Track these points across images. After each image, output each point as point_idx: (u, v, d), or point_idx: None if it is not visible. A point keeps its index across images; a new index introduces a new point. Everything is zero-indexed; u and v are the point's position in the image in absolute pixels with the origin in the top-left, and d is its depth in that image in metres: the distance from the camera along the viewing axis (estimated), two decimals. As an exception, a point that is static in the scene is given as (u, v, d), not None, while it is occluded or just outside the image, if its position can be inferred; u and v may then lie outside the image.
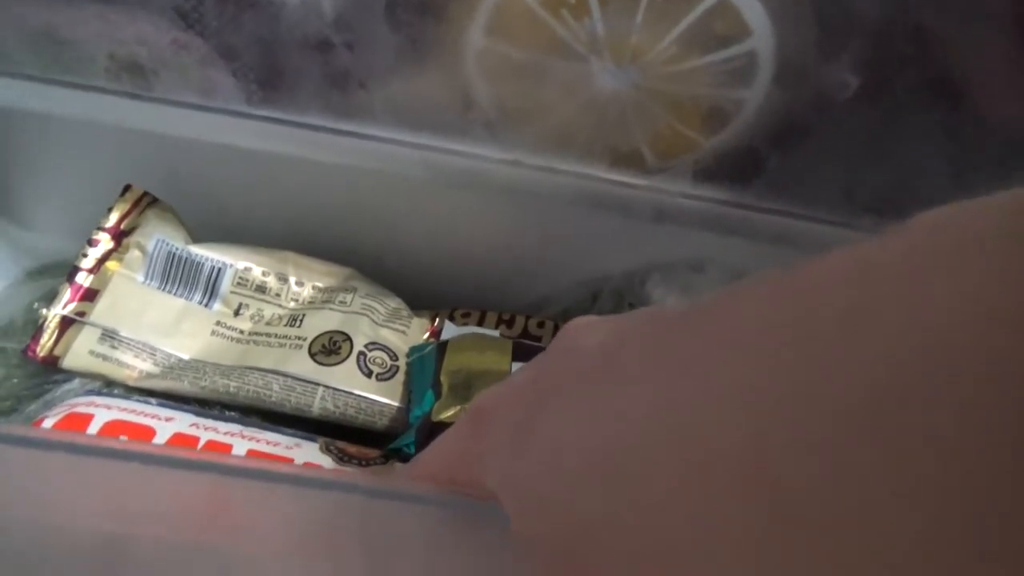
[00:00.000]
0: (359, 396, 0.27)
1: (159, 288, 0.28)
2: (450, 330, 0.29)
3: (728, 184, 0.24)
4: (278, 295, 0.29)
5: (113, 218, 0.29)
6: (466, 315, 0.31)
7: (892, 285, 0.09)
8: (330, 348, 0.28)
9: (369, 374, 0.27)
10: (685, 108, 0.23)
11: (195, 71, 0.23)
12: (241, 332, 0.29)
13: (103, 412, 0.21)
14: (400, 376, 0.28)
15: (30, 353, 0.27)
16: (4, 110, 0.27)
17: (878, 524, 0.08)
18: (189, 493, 0.15)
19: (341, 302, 0.29)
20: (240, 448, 0.21)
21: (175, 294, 0.29)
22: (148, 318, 0.28)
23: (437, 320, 0.30)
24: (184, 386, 0.27)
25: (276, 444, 0.22)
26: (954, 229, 0.09)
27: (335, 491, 0.15)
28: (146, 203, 0.29)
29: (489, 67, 0.22)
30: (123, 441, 0.18)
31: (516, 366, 0.27)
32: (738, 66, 0.22)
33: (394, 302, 0.30)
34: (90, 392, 0.24)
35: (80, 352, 0.27)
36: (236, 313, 0.29)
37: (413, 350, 0.28)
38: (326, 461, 0.22)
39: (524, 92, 0.23)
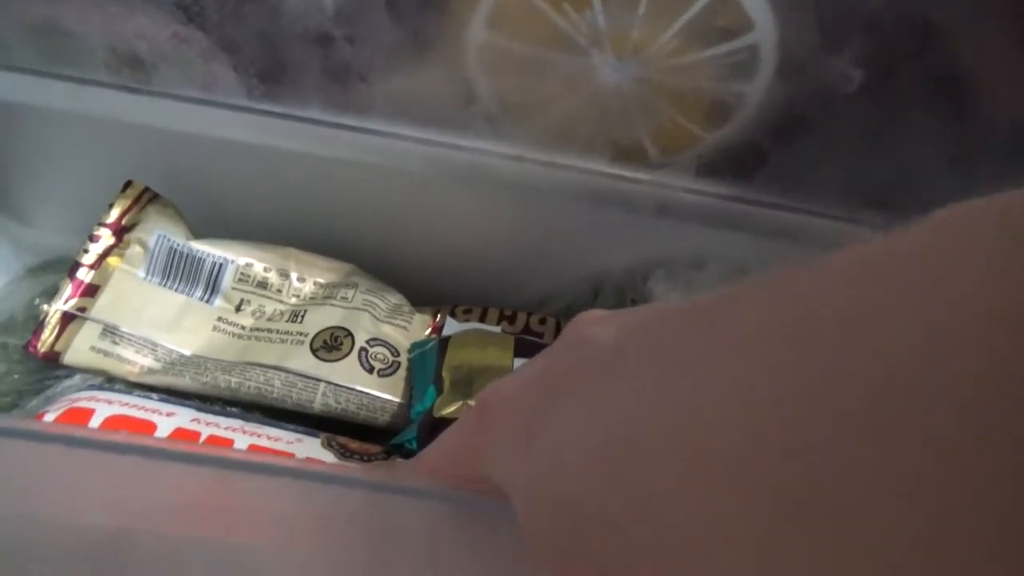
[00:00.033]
0: (361, 392, 0.27)
1: (160, 284, 0.28)
2: (451, 326, 0.29)
3: (730, 178, 0.24)
4: (279, 291, 0.29)
5: (114, 214, 0.29)
6: (468, 311, 0.31)
7: (892, 285, 0.09)
8: (331, 344, 0.28)
9: (371, 370, 0.27)
10: (687, 102, 0.23)
11: (196, 65, 0.23)
12: (242, 328, 0.28)
13: (104, 407, 0.21)
14: (402, 372, 0.28)
15: (31, 349, 0.27)
16: (4, 105, 0.27)
17: (878, 524, 0.08)
18: (189, 487, 0.15)
19: (343, 298, 0.29)
20: (241, 443, 0.21)
21: (176, 290, 0.29)
22: (149, 314, 0.28)
23: (439, 316, 0.30)
24: (185, 382, 0.26)
25: (277, 439, 0.22)
26: (956, 229, 0.09)
27: (336, 485, 0.15)
28: (147, 199, 0.29)
29: (490, 61, 0.22)
30: (122, 434, 0.17)
31: (518, 362, 0.27)
32: (740, 59, 0.22)
33: (395, 298, 0.30)
34: (91, 387, 0.24)
35: (81, 348, 0.27)
36: (237, 309, 0.29)
37: (415, 346, 0.28)
38: (328, 456, 0.22)
39: (526, 86, 0.23)
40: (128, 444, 0.15)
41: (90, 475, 0.15)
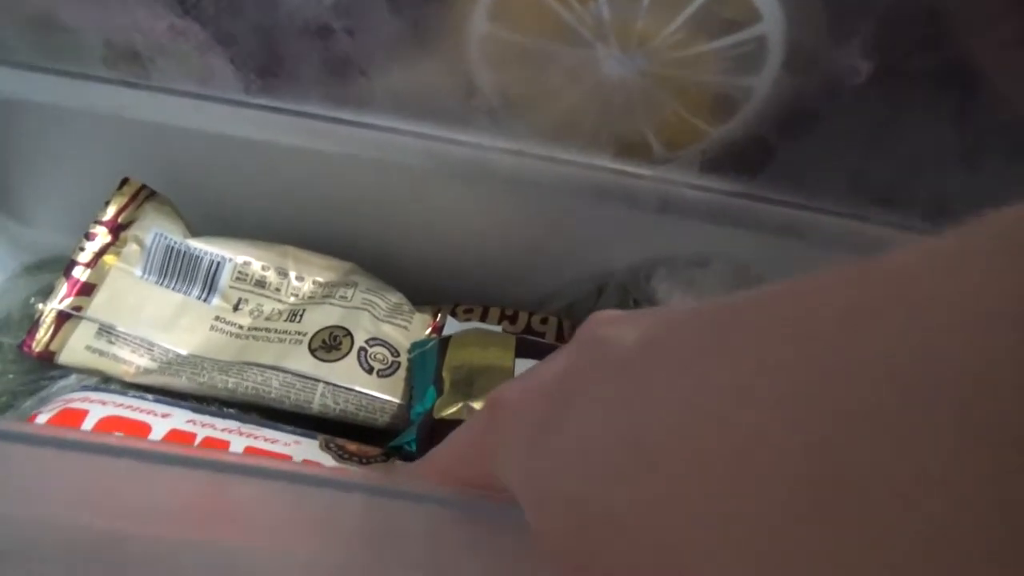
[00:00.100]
0: (360, 393, 0.26)
1: (157, 283, 0.28)
2: (452, 326, 0.29)
3: (735, 174, 0.23)
4: (278, 290, 0.29)
5: (110, 212, 0.28)
6: (468, 311, 0.31)
7: (892, 285, 0.09)
8: (330, 344, 0.27)
9: (370, 370, 0.27)
10: (692, 95, 0.22)
11: (193, 58, 0.22)
12: (240, 327, 0.28)
13: (98, 408, 0.21)
14: (401, 372, 0.27)
15: (26, 348, 0.26)
16: (1, 101, 0.26)
17: (878, 524, 0.08)
18: (185, 490, 0.15)
19: (342, 297, 0.29)
20: (238, 445, 0.21)
21: (173, 289, 0.28)
22: (146, 313, 0.27)
23: (439, 315, 0.30)
24: (182, 382, 0.26)
25: (274, 441, 0.22)
26: (956, 233, 0.09)
27: (333, 489, 0.15)
28: (144, 196, 0.29)
29: (492, 53, 0.22)
30: (115, 437, 0.17)
31: (519, 362, 0.26)
32: (747, 52, 0.21)
33: (395, 297, 0.30)
34: (86, 388, 0.24)
35: (76, 347, 0.26)
36: (235, 308, 0.28)
37: (415, 346, 0.28)
38: (326, 459, 0.22)
39: (528, 79, 0.23)
40: (121, 447, 0.15)
41: (83, 478, 0.15)
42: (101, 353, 0.26)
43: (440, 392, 0.25)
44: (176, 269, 0.28)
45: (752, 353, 0.10)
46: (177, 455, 0.15)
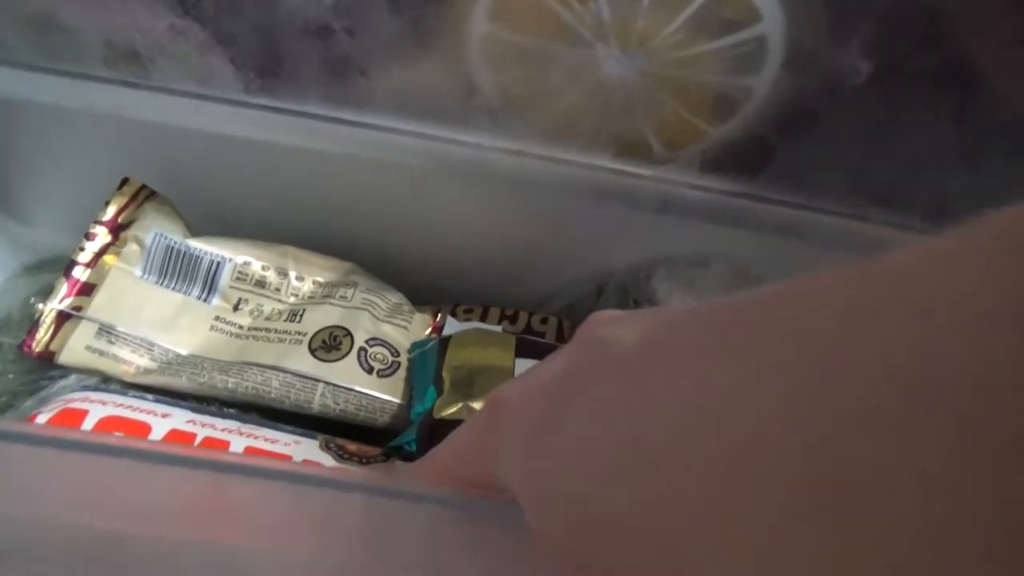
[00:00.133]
0: (360, 393, 0.26)
1: (157, 282, 0.28)
2: (452, 326, 0.29)
3: (735, 174, 0.23)
4: (278, 290, 0.29)
5: (110, 211, 0.28)
6: (468, 311, 0.31)
7: (892, 285, 0.09)
8: (330, 344, 0.27)
9: (370, 370, 0.27)
10: (692, 95, 0.22)
11: (193, 58, 0.22)
12: (240, 327, 0.28)
13: (98, 408, 0.21)
14: (401, 372, 0.27)
15: (26, 348, 0.26)
16: (1, 102, 0.26)
17: (877, 524, 0.08)
18: (184, 490, 0.15)
19: (342, 297, 0.29)
20: (238, 445, 0.21)
21: (173, 289, 0.28)
22: (146, 313, 0.27)
23: (439, 316, 0.30)
24: (182, 382, 0.26)
25: (274, 441, 0.22)
26: (956, 234, 0.09)
27: (333, 489, 0.15)
28: (144, 196, 0.29)
29: (492, 53, 0.22)
30: (115, 437, 0.17)
31: (519, 362, 0.26)
32: (747, 52, 0.21)
33: (395, 297, 0.30)
34: (86, 388, 0.24)
35: (76, 347, 0.26)
36: (235, 308, 0.28)
37: (415, 346, 0.28)
38: (326, 459, 0.21)
39: (528, 79, 0.23)
40: (121, 447, 0.15)
41: (82, 478, 0.15)
42: (101, 353, 0.26)
43: (440, 392, 0.25)
44: (176, 269, 0.28)
45: (752, 353, 0.10)
46: (176, 455, 0.15)
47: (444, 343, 0.27)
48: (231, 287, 0.28)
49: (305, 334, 0.28)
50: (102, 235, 0.28)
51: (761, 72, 0.22)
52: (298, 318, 0.28)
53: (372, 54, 0.22)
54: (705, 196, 0.23)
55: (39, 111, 0.27)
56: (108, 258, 0.28)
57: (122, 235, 0.28)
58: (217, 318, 0.28)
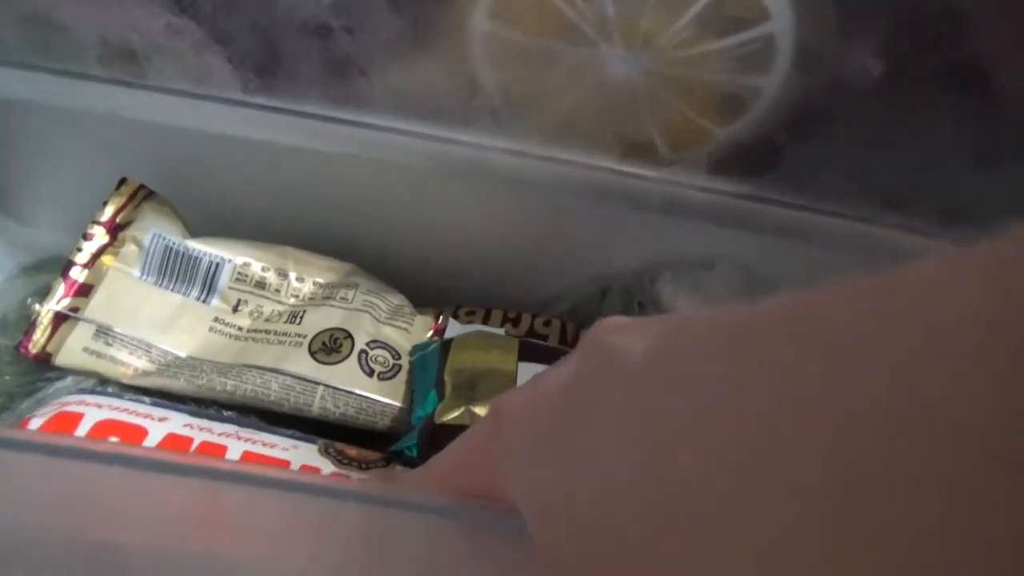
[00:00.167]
0: (360, 396, 0.26)
1: (155, 283, 0.28)
2: (454, 328, 0.29)
3: (743, 176, 0.23)
4: (278, 291, 0.29)
5: (108, 212, 0.28)
6: (471, 313, 0.30)
7: (907, 295, 0.09)
8: (331, 346, 0.27)
9: (371, 373, 0.27)
10: (699, 95, 0.22)
11: (190, 57, 0.22)
12: (239, 329, 0.28)
13: (94, 411, 0.20)
14: (402, 375, 0.27)
15: (22, 350, 0.26)
16: (-2, 100, 0.26)
17: (881, 524, 0.08)
18: (178, 498, 0.14)
19: (342, 298, 0.28)
20: (235, 450, 0.21)
21: (172, 290, 0.28)
22: (144, 314, 0.27)
23: (441, 318, 0.29)
24: (180, 384, 0.26)
25: (273, 446, 0.21)
26: (974, 247, 0.09)
27: (329, 497, 0.14)
28: (142, 196, 0.28)
29: (494, 52, 0.22)
30: (107, 444, 0.17)
31: (522, 366, 0.26)
32: (755, 50, 0.21)
33: (397, 299, 0.29)
34: (82, 390, 0.24)
35: (74, 349, 0.26)
36: (235, 309, 0.28)
37: (416, 348, 0.27)
38: (325, 464, 0.21)
39: (531, 78, 0.22)
40: (113, 454, 0.15)
41: (73, 485, 0.14)
42: (99, 355, 0.26)
43: (442, 396, 0.25)
44: (175, 270, 0.28)
45: (762, 365, 0.10)
46: (169, 462, 0.15)
47: (446, 346, 0.27)
48: (230, 288, 0.28)
49: (305, 336, 0.27)
50: (100, 235, 0.28)
51: (769, 71, 0.21)
52: (298, 320, 0.28)
53: (372, 53, 0.22)
54: (712, 198, 0.23)
55: (36, 110, 0.27)
56: (106, 259, 0.28)
57: (120, 235, 0.28)
58: (216, 319, 0.28)
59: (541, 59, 0.22)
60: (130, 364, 0.26)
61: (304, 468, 0.21)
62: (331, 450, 0.22)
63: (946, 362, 0.08)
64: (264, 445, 0.21)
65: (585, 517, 0.11)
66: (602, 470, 0.11)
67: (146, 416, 0.21)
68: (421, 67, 0.22)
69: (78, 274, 0.27)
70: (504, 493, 0.14)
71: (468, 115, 0.22)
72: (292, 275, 0.29)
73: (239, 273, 0.28)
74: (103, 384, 0.25)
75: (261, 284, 0.29)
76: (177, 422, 0.21)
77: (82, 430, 0.20)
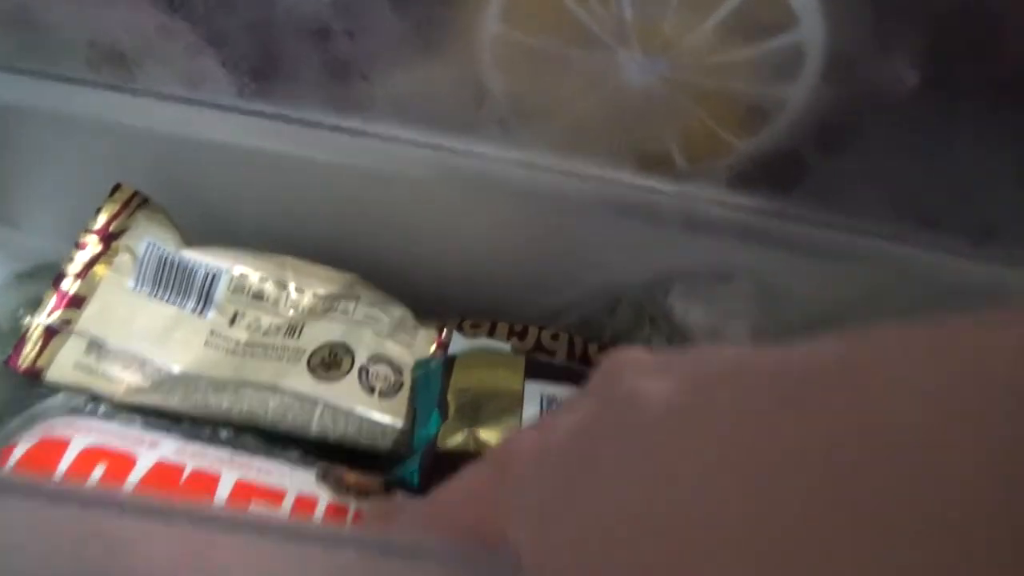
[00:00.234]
0: (360, 416, 0.25)
1: (150, 295, 0.27)
2: (458, 343, 0.28)
3: (766, 191, 0.21)
4: (276, 303, 0.28)
5: (101, 220, 0.27)
6: (476, 326, 0.29)
7: (921, 360, 0.09)
8: (330, 361, 0.26)
9: (371, 391, 0.26)
10: (720, 105, 0.21)
11: (182, 60, 0.21)
12: (236, 343, 0.27)
13: (81, 437, 0.20)
14: (404, 392, 0.26)
15: (12, 365, 0.25)
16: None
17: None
18: (157, 547, 0.13)
19: (343, 311, 0.27)
20: (228, 478, 0.20)
21: (167, 301, 0.27)
22: (138, 327, 0.26)
23: (444, 332, 0.28)
24: (174, 401, 0.25)
25: (268, 472, 0.20)
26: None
27: (326, 546, 0.14)
28: (136, 204, 0.27)
29: (504, 57, 0.20)
30: (88, 487, 0.16)
31: (529, 385, 0.25)
32: (782, 59, 0.19)
33: (399, 311, 0.28)
34: (73, 411, 0.23)
35: (65, 364, 0.25)
36: (232, 322, 0.27)
37: (418, 365, 0.26)
38: (322, 493, 0.20)
39: (543, 85, 0.21)
40: (95, 497, 0.14)
41: (47, 531, 0.14)
42: (90, 371, 0.25)
43: (445, 417, 0.24)
44: (170, 280, 0.27)
45: (789, 427, 0.10)
46: (151, 505, 0.14)
47: (449, 363, 0.26)
48: (227, 300, 0.27)
49: (304, 350, 0.26)
50: (92, 244, 0.27)
51: (796, 81, 0.20)
52: (297, 333, 0.27)
53: (374, 57, 0.20)
54: (733, 214, 0.22)
55: (28, 115, 0.26)
56: (99, 268, 0.27)
57: (113, 244, 0.27)
58: (212, 332, 0.27)
59: (554, 64, 0.20)
60: (123, 380, 0.25)
61: (300, 499, 0.20)
62: (329, 477, 0.21)
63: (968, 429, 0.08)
64: (259, 472, 0.20)
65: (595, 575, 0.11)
66: (615, 528, 0.11)
67: (136, 441, 0.20)
68: (426, 72, 0.21)
69: (70, 285, 0.26)
70: (510, 542, 0.13)
71: (475, 123, 0.21)
72: (291, 285, 0.28)
73: (236, 284, 0.27)
74: (95, 401, 0.24)
75: (259, 295, 0.28)
76: (168, 447, 0.20)
77: (68, 457, 0.19)
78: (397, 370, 0.26)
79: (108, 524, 0.13)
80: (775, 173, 0.21)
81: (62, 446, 0.19)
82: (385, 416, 0.25)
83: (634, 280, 0.29)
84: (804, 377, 0.10)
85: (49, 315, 0.26)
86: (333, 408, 0.25)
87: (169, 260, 0.27)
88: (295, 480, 0.21)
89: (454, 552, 0.14)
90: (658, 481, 0.11)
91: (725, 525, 0.10)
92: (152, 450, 0.20)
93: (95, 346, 0.25)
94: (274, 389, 0.25)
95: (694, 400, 0.11)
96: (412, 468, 0.22)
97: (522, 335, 0.29)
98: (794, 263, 0.23)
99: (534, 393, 0.24)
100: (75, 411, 0.23)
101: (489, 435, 0.23)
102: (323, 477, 0.21)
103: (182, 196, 0.27)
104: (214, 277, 0.27)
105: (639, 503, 0.11)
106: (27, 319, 0.26)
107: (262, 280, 0.28)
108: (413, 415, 0.25)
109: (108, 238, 0.27)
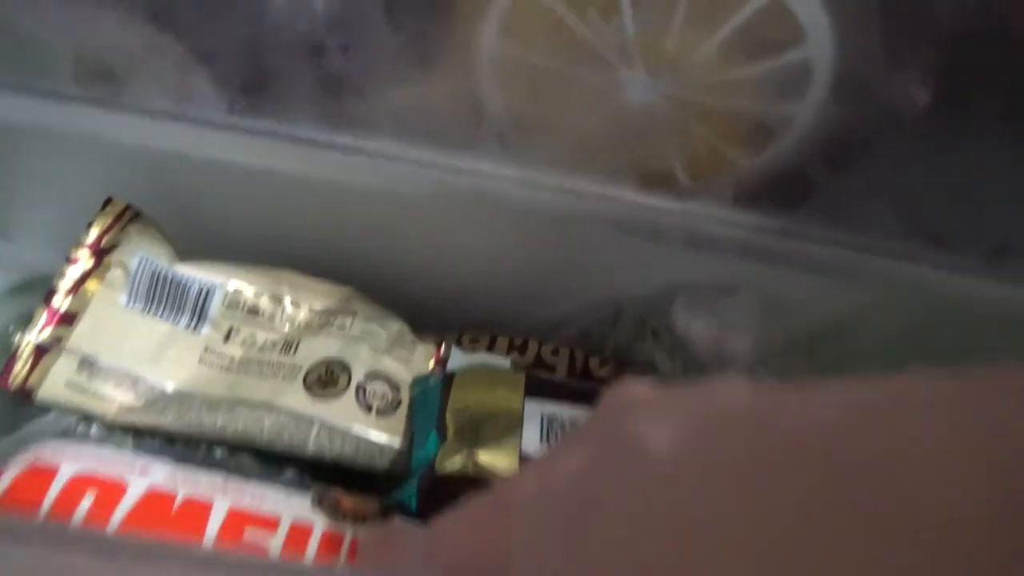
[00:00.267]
0: (357, 435, 0.24)
1: (143, 311, 0.26)
2: (457, 358, 0.27)
3: (772, 209, 0.21)
4: (272, 318, 0.27)
5: (93, 234, 0.26)
6: (475, 340, 0.29)
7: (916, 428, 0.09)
8: (326, 379, 0.26)
9: (368, 409, 0.25)
10: (726, 123, 0.20)
11: (170, 76, 0.20)
12: (231, 360, 0.26)
13: (69, 464, 0.19)
14: (402, 410, 0.25)
15: (1, 383, 0.24)
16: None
17: None
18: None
19: (339, 326, 0.27)
20: (221, 506, 0.19)
21: (160, 317, 0.26)
22: (131, 344, 0.26)
23: (443, 347, 0.28)
24: (168, 420, 0.24)
25: (263, 498, 0.20)
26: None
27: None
28: (128, 218, 0.27)
29: (503, 74, 0.20)
30: (71, 527, 0.15)
31: (529, 403, 0.24)
32: (789, 76, 0.19)
33: (396, 325, 0.28)
34: (63, 433, 0.22)
35: (56, 383, 0.25)
36: (226, 338, 0.27)
37: (416, 381, 0.26)
38: (318, 520, 0.20)
39: (542, 102, 0.20)
40: (78, 537, 0.13)
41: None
42: (82, 390, 0.25)
43: (443, 438, 0.23)
44: (163, 296, 0.26)
45: (795, 488, 0.09)
46: (136, 546, 0.13)
47: (448, 381, 0.25)
48: (222, 315, 0.27)
49: (300, 367, 0.26)
50: (84, 259, 0.26)
51: (804, 98, 0.19)
52: (293, 349, 0.26)
53: (370, 73, 0.20)
54: (737, 233, 0.21)
55: (18, 131, 0.25)
56: (90, 284, 0.26)
57: (105, 260, 0.26)
58: (207, 349, 0.26)
59: (554, 81, 0.20)
60: (115, 399, 0.25)
61: (295, 527, 0.19)
62: (325, 502, 0.21)
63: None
64: (253, 498, 0.20)
65: None
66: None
67: (127, 466, 0.20)
68: (424, 89, 0.20)
69: (60, 302, 0.26)
70: None
71: (474, 141, 0.21)
72: (287, 300, 0.27)
73: (231, 299, 0.27)
74: (86, 421, 0.24)
75: (254, 310, 0.27)
76: (159, 473, 0.20)
77: (56, 486, 0.19)
78: (395, 387, 0.26)
79: (94, 567, 0.13)
80: (781, 191, 0.21)
81: (50, 473, 0.19)
82: (382, 435, 0.25)
83: (636, 291, 0.29)
84: (813, 434, 0.10)
85: (40, 332, 0.25)
86: (330, 427, 0.24)
87: (162, 275, 0.26)
88: (290, 506, 0.20)
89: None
90: (660, 532, 0.11)
91: (722, 572, 0.09)
92: (143, 477, 0.19)
93: (87, 364, 0.25)
94: (269, 407, 0.25)
95: (698, 450, 0.11)
96: (410, 492, 0.22)
97: (522, 349, 0.29)
98: (799, 280, 0.22)
99: (534, 412, 0.24)
100: (65, 433, 0.22)
101: (488, 457, 0.22)
102: (319, 502, 0.21)
103: (173, 213, 0.26)
104: (208, 292, 0.27)
105: (640, 553, 0.11)
106: (17, 336, 0.25)
107: (257, 295, 0.27)
108: (411, 434, 0.25)
109: (100, 253, 0.26)
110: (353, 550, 0.19)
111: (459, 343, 0.29)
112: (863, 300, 0.22)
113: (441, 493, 0.22)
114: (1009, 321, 0.20)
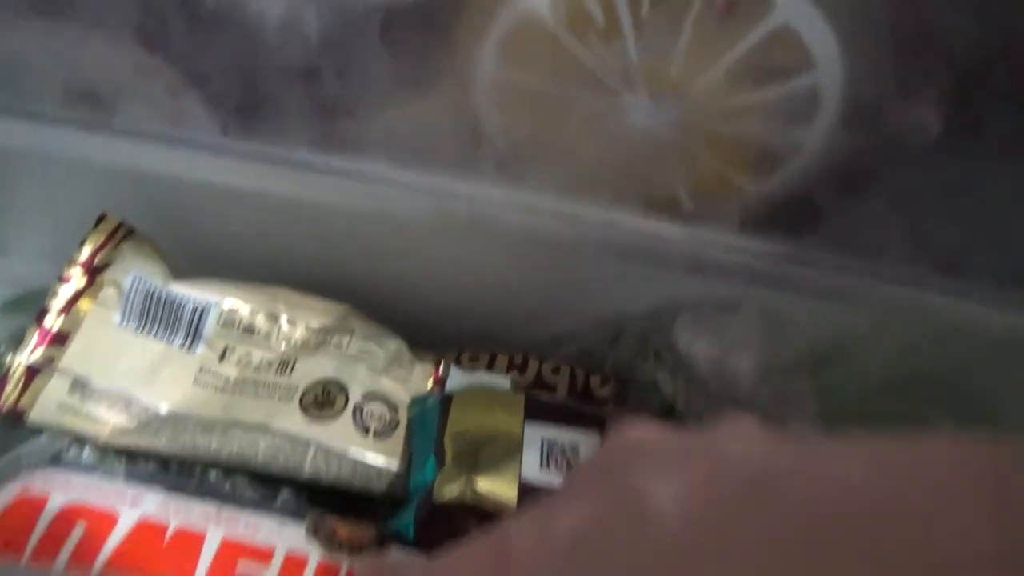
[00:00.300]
0: (354, 458, 0.24)
1: (136, 330, 0.26)
2: (456, 377, 0.27)
3: (779, 235, 0.20)
4: (268, 336, 0.27)
5: (86, 252, 0.26)
6: (474, 358, 0.28)
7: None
8: (323, 400, 0.25)
9: (366, 431, 0.25)
10: (732, 149, 0.20)
11: (161, 99, 0.20)
12: (226, 380, 0.26)
13: (59, 495, 0.19)
14: (400, 431, 0.25)
15: (-7, 405, 0.24)
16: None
17: None
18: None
19: (336, 345, 0.27)
20: (214, 537, 0.19)
21: (154, 337, 0.26)
22: (124, 364, 0.25)
23: (442, 367, 0.27)
24: (162, 443, 0.24)
25: (256, 529, 0.20)
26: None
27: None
28: (121, 235, 0.26)
29: (502, 99, 0.19)
30: (53, 570, 0.15)
31: (528, 427, 0.24)
32: (797, 102, 0.18)
33: (394, 344, 0.27)
34: (54, 458, 0.22)
35: (48, 405, 0.24)
36: (221, 358, 0.26)
37: (414, 402, 0.26)
38: (312, 550, 0.19)
39: (542, 128, 0.20)
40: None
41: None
42: (75, 412, 0.24)
43: (441, 463, 0.23)
44: (157, 315, 0.26)
45: (811, 560, 0.09)
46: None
47: (446, 403, 0.25)
48: (217, 334, 0.26)
49: (296, 388, 0.25)
50: (77, 278, 0.26)
51: (812, 124, 0.19)
52: (289, 369, 0.26)
53: (366, 97, 0.19)
54: (743, 258, 0.21)
55: (10, 154, 0.25)
56: (83, 303, 0.26)
57: (98, 278, 0.26)
58: (201, 369, 0.26)
59: (554, 106, 0.19)
60: (108, 421, 0.24)
61: (290, 558, 0.19)
62: (320, 532, 0.20)
63: None
64: (247, 527, 0.20)
65: None
66: None
67: (118, 496, 0.19)
68: (421, 114, 0.20)
69: (52, 322, 0.25)
70: None
71: (472, 166, 0.20)
72: (283, 318, 0.27)
73: (226, 318, 0.26)
74: (78, 444, 0.24)
75: (250, 329, 0.27)
76: (151, 502, 0.20)
77: (46, 517, 0.18)
78: (392, 408, 0.26)
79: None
80: (789, 217, 0.20)
81: (40, 503, 0.18)
82: (379, 458, 0.24)
83: (637, 309, 0.28)
84: (834, 501, 0.09)
85: (31, 353, 0.25)
86: (326, 450, 0.24)
87: (156, 294, 0.26)
88: (284, 537, 0.20)
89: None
90: None
91: None
92: (134, 508, 0.19)
93: (79, 385, 0.25)
94: (265, 430, 0.24)
95: (709, 516, 0.11)
96: (407, 521, 0.21)
97: (522, 368, 0.28)
98: (804, 304, 0.22)
99: (534, 437, 0.24)
100: (56, 459, 0.22)
101: (487, 484, 0.22)
102: (314, 532, 0.20)
103: (168, 236, 0.26)
104: (203, 311, 0.26)
105: None
106: (8, 357, 0.25)
107: (253, 313, 0.27)
108: (409, 456, 0.24)
109: (93, 271, 0.26)
110: (349, 584, 0.19)
111: (459, 361, 0.28)
112: (868, 324, 0.22)
113: (439, 522, 0.21)
114: (1015, 349, 0.20)
